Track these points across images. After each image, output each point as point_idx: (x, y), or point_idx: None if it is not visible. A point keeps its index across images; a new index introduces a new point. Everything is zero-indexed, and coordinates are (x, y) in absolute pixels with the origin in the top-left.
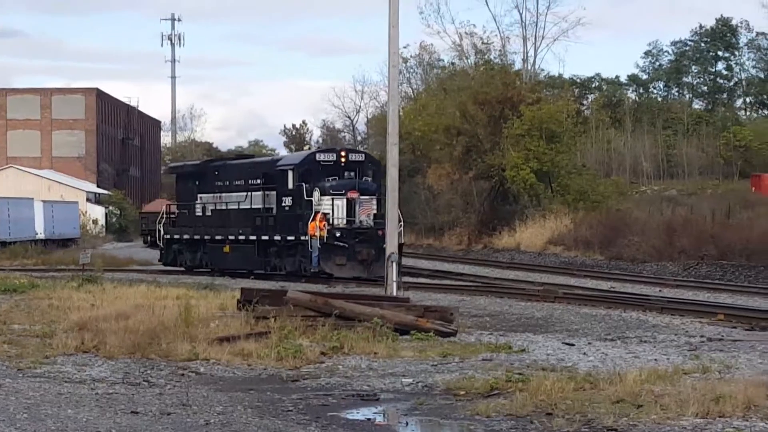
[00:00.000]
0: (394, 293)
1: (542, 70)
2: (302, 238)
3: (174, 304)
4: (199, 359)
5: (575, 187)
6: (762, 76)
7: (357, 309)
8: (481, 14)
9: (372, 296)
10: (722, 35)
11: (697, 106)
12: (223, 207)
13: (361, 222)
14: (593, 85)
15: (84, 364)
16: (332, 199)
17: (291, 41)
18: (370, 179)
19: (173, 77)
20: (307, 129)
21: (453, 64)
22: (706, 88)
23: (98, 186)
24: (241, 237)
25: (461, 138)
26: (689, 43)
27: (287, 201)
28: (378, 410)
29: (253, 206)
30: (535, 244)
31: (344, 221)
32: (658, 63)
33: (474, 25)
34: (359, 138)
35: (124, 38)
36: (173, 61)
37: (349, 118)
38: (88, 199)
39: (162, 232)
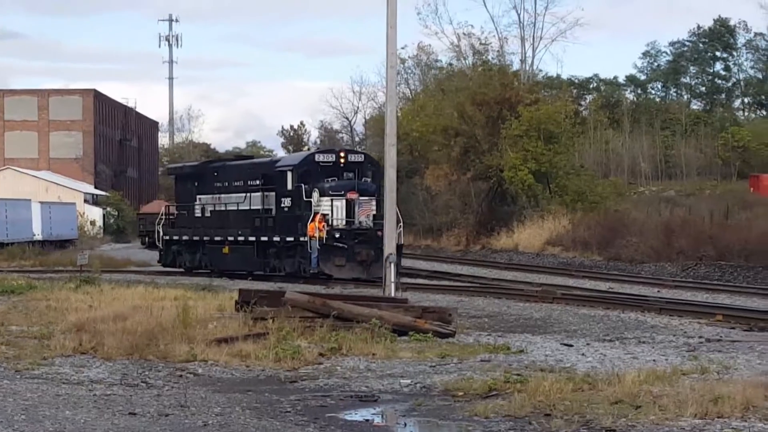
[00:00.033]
0: (393, 294)
1: (540, 70)
2: (301, 239)
3: (172, 305)
4: (197, 360)
5: (573, 187)
6: (760, 76)
7: (355, 310)
8: (479, 15)
9: (370, 297)
10: (720, 36)
11: (695, 107)
12: (222, 208)
13: (360, 223)
14: (591, 86)
15: (82, 366)
16: (331, 199)
17: (288, 42)
18: (369, 180)
19: (171, 78)
20: (305, 130)
21: (451, 64)
22: (704, 88)
23: (96, 187)
24: (241, 238)
25: (459, 139)
26: (687, 43)
27: (286, 202)
28: (376, 411)
29: (252, 207)
30: (534, 244)
31: (343, 222)
32: (656, 63)
33: (472, 26)
34: (357, 139)
35: (121, 39)
36: (171, 62)
37: (347, 119)
38: (85, 201)
39: (161, 233)
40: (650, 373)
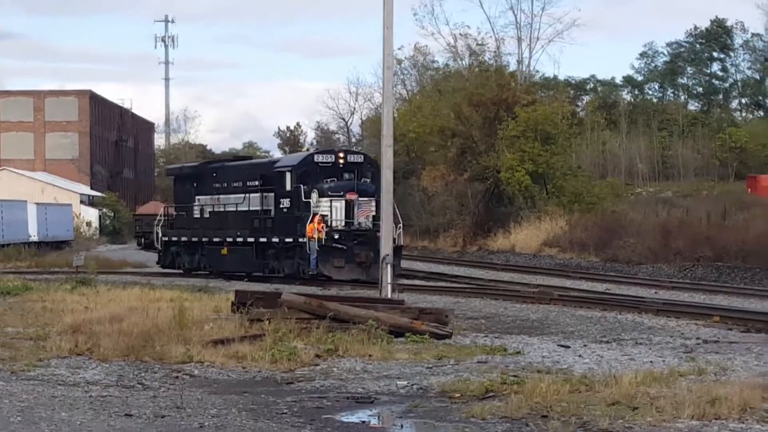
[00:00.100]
0: (389, 295)
1: (537, 71)
2: (300, 240)
3: (168, 306)
4: (193, 362)
5: (570, 188)
6: (757, 77)
7: (352, 311)
8: (476, 16)
9: (367, 298)
10: (717, 36)
11: (692, 108)
12: (221, 209)
13: (359, 224)
14: (588, 87)
15: (78, 367)
16: (330, 200)
17: (285, 43)
18: (368, 180)
19: (167, 79)
20: (302, 131)
21: (447, 65)
22: (701, 89)
23: (92, 188)
24: (239, 239)
25: (456, 140)
26: (684, 44)
27: (285, 203)
28: (373, 413)
29: (251, 208)
30: (530, 245)
31: (343, 223)
32: (653, 64)
33: (468, 27)
34: (354, 140)
35: (117, 40)
36: (167, 62)
37: (344, 119)
38: (81, 202)
39: (160, 235)
40: (647, 374)
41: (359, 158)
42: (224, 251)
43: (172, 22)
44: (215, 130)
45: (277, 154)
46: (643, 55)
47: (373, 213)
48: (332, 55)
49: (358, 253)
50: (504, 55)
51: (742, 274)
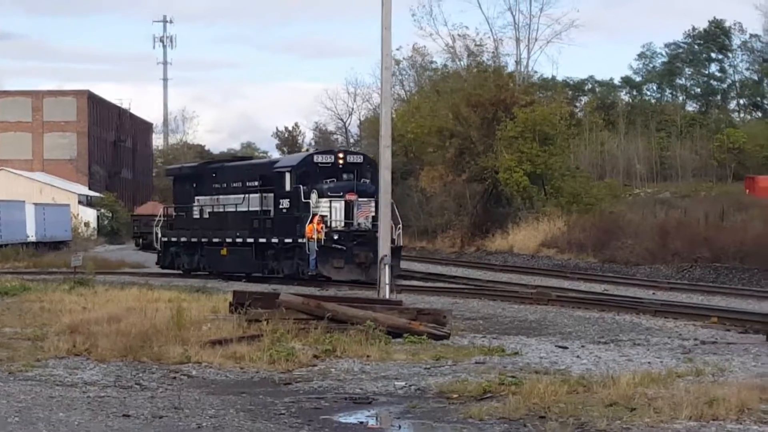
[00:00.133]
0: (387, 296)
1: (535, 72)
2: (300, 240)
3: (166, 307)
4: (191, 362)
5: (568, 189)
6: (755, 78)
7: (349, 312)
8: (474, 16)
9: (365, 299)
10: (715, 37)
11: (690, 109)
12: (221, 209)
13: (359, 224)
14: (586, 88)
15: (75, 367)
16: (330, 201)
17: (283, 43)
18: (368, 181)
19: (165, 79)
20: (300, 131)
21: (446, 66)
22: (699, 90)
23: (90, 188)
24: (239, 240)
25: (454, 140)
26: (682, 45)
27: (284, 203)
28: (370, 413)
29: (250, 208)
30: (528, 246)
31: (342, 224)
32: (651, 65)
33: (467, 27)
34: (352, 140)
35: (115, 40)
36: (165, 63)
37: (342, 120)
38: (79, 202)
39: (159, 235)
40: (645, 375)
41: (359, 159)
42: (224, 252)
43: (171, 22)
44: (213, 130)
45: (275, 154)
46: (641, 55)
47: (373, 213)
48: (330, 56)
49: (357, 253)
50: (502, 55)
51: (740, 275)
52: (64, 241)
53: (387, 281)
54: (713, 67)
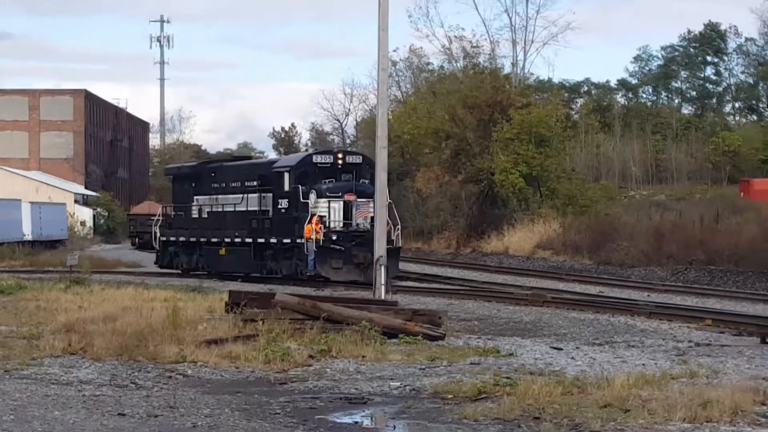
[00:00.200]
0: (383, 297)
1: (532, 74)
2: (298, 241)
3: (162, 306)
4: (186, 361)
5: (564, 191)
6: (751, 81)
7: (345, 312)
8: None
9: (360, 299)
10: (711, 40)
11: (686, 111)
12: (219, 209)
13: (357, 225)
14: (582, 90)
15: (71, 366)
16: (329, 201)
17: (281, 44)
18: (367, 182)
19: (162, 79)
20: (296, 132)
21: (442, 67)
22: (695, 93)
23: (86, 188)
24: (237, 240)
25: (450, 141)
26: (678, 48)
27: (283, 203)
28: (366, 413)
29: (249, 208)
30: (524, 248)
31: (341, 224)
32: (647, 68)
33: (463, 29)
34: (348, 141)
35: (113, 40)
36: (162, 63)
37: (338, 121)
38: (76, 201)
39: (158, 234)
40: (639, 377)
41: (358, 159)
42: (222, 252)
43: (168, 22)
44: (211, 130)
45: (271, 154)
46: (637, 58)
47: (372, 214)
48: (327, 57)
49: (356, 254)
50: (498, 57)
51: (735, 278)
52: (60, 240)
53: (383, 282)
54: (709, 70)
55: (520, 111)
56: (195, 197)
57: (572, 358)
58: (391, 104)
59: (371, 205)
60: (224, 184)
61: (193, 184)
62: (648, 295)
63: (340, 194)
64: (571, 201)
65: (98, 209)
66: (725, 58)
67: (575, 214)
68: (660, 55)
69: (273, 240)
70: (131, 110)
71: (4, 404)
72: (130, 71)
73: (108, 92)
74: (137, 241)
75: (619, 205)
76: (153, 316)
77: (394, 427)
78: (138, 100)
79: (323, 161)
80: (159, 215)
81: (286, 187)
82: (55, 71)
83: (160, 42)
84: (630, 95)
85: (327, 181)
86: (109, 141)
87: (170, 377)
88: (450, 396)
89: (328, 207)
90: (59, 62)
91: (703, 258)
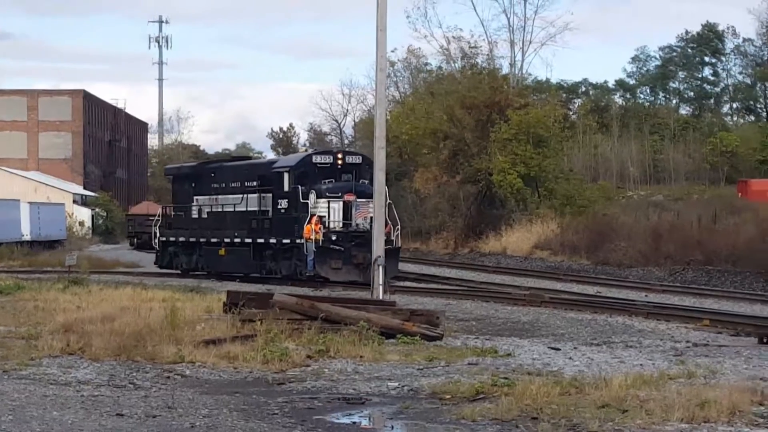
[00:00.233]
0: (381, 297)
1: (530, 74)
2: (298, 241)
3: (160, 306)
4: (184, 362)
5: (562, 191)
6: (749, 81)
7: (343, 312)
8: (469, 19)
9: (358, 300)
10: (709, 41)
11: (683, 112)
12: (219, 209)
13: (357, 225)
14: (580, 90)
15: (69, 366)
16: (328, 201)
17: (279, 44)
18: (367, 182)
19: (160, 79)
20: (294, 132)
21: (440, 68)
22: (692, 93)
23: (85, 188)
24: (237, 240)
25: (448, 142)
26: (676, 48)
27: (283, 203)
28: (363, 414)
29: (248, 208)
30: (522, 248)
31: (340, 224)
32: (645, 68)
33: (461, 30)
34: (346, 141)
35: (111, 40)
36: (160, 63)
37: (337, 121)
38: (74, 201)
39: (158, 235)
40: (637, 377)
41: (357, 159)
42: (222, 252)
43: (166, 22)
44: (209, 130)
45: (270, 155)
46: (635, 59)
47: (371, 214)
48: (326, 57)
49: (355, 254)
50: (497, 58)
51: (732, 278)
52: (58, 240)
53: (381, 282)
54: (706, 71)
55: (518, 111)
56: (195, 197)
57: (570, 358)
58: (389, 105)
59: (371, 205)
60: (224, 185)
61: (193, 185)
62: (646, 296)
63: (340, 194)
64: (569, 201)
65: (97, 209)
66: (723, 59)
67: (573, 214)
68: (658, 56)
69: (272, 240)
70: (130, 110)
71: (3, 404)
72: (128, 72)
73: (107, 93)
74: (135, 241)
75: (616, 205)
76: (151, 317)
77: (392, 427)
78: (137, 101)
79: (323, 161)
80: (158, 215)
81: (286, 188)
82: (54, 71)
83: (158, 42)
84: (628, 96)
85: (327, 181)
86: (107, 141)
87: (168, 377)
88: (448, 396)
89: (328, 207)
90: (58, 62)
91: (700, 258)
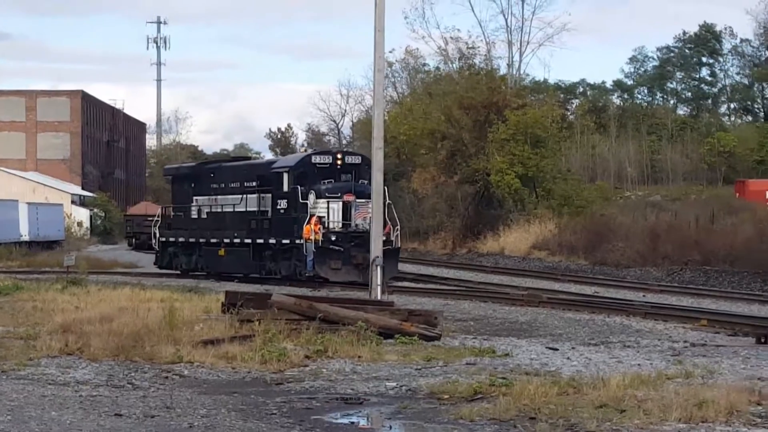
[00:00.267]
0: (379, 297)
1: (527, 75)
2: (297, 241)
3: (158, 306)
4: (183, 362)
5: (560, 192)
6: (746, 82)
7: (341, 313)
8: (467, 19)
9: (356, 300)
10: (706, 41)
11: (681, 112)
12: (219, 209)
13: (357, 226)
14: (578, 91)
15: (68, 367)
16: (328, 202)
17: (277, 45)
18: (366, 182)
19: (158, 80)
20: (292, 132)
21: (438, 68)
22: (690, 94)
23: (83, 188)
24: (236, 240)
25: (446, 142)
26: (674, 49)
27: (282, 204)
28: (362, 414)
29: (248, 209)
30: (520, 248)
31: (340, 225)
32: (642, 69)
33: (459, 30)
34: (344, 142)
35: (110, 41)
36: (159, 64)
37: (335, 121)
38: (72, 202)
39: (157, 235)
40: (635, 377)
41: (357, 159)
42: (221, 252)
43: (165, 23)
44: (207, 131)
45: (268, 155)
46: (632, 59)
47: (371, 215)
48: (323, 58)
49: (355, 255)
50: (494, 58)
51: (730, 278)
52: (57, 240)
53: (379, 282)
54: (704, 71)
55: (515, 112)
56: (194, 198)
57: (568, 358)
58: (387, 105)
59: (370, 205)
60: (223, 185)
61: (193, 185)
62: (643, 296)
63: (339, 195)
64: (566, 201)
65: (95, 210)
66: (720, 59)
67: (571, 214)
68: (655, 56)
69: (272, 240)
70: (128, 111)
71: (1, 405)
72: (127, 72)
73: (105, 93)
74: (134, 241)
75: (614, 205)
76: (149, 317)
77: (390, 427)
78: (135, 101)
79: (322, 162)
80: (158, 216)
81: (285, 188)
82: (53, 72)
83: (156, 43)
84: (625, 96)
85: (326, 181)
86: (105, 142)
87: (167, 378)
88: (446, 396)
89: (327, 207)
90: (56, 63)
91: (698, 258)
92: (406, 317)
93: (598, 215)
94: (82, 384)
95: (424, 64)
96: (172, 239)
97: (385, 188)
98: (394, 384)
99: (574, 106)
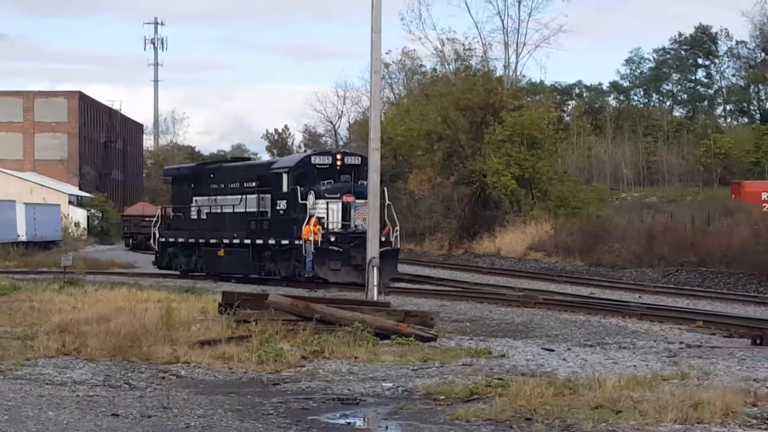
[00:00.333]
0: (375, 298)
1: (524, 76)
2: (296, 242)
3: (155, 307)
4: (180, 362)
5: (556, 193)
6: (742, 84)
7: (338, 313)
8: (463, 21)
9: (353, 301)
10: (702, 43)
11: (677, 114)
12: (218, 210)
13: (356, 226)
14: (574, 92)
15: (65, 367)
16: (327, 202)
17: (274, 46)
18: (366, 183)
19: (156, 81)
20: (289, 133)
21: (435, 70)
22: (686, 95)
23: (80, 189)
24: (236, 241)
25: (442, 143)
26: (670, 50)
27: (282, 204)
28: (358, 414)
29: (247, 209)
30: (516, 249)
31: (339, 225)
32: (639, 70)
33: (455, 32)
34: (341, 143)
35: (107, 42)
36: (156, 64)
37: (331, 122)
38: (70, 202)
39: (157, 235)
40: (631, 378)
41: (356, 160)
42: (221, 253)
43: (162, 24)
44: (204, 131)
45: (265, 156)
46: (629, 61)
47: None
48: (321, 59)
49: (354, 255)
50: (491, 60)
51: (726, 280)
52: (54, 240)
53: (375, 283)
54: (700, 73)
55: (512, 113)
56: (194, 198)
57: (564, 359)
58: (383, 106)
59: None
60: (223, 185)
61: (192, 185)
62: (639, 297)
63: (339, 195)
64: (562, 203)
65: (92, 210)
66: (716, 61)
67: (567, 215)
68: (651, 58)
69: (271, 241)
70: (125, 112)
71: None
72: (124, 73)
73: (102, 94)
74: (131, 242)
75: (610, 206)
76: (146, 317)
77: (387, 427)
78: (132, 102)
79: (322, 162)
80: (158, 216)
81: (285, 188)
82: (50, 73)
83: (154, 44)
84: (622, 98)
85: (325, 182)
86: (103, 142)
87: (164, 378)
88: (442, 397)
89: (327, 208)
90: (54, 63)
91: (694, 260)
92: (403, 318)
93: (594, 216)
94: (79, 384)
95: (421, 66)
96: (171, 240)
97: (385, 189)
98: (391, 385)
99: (570, 107)
